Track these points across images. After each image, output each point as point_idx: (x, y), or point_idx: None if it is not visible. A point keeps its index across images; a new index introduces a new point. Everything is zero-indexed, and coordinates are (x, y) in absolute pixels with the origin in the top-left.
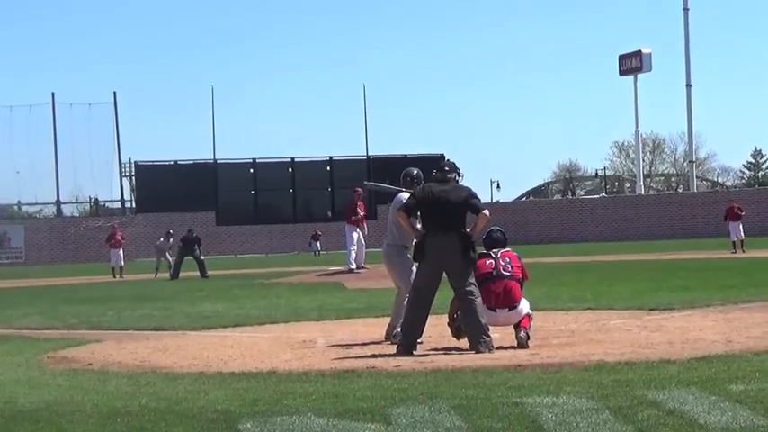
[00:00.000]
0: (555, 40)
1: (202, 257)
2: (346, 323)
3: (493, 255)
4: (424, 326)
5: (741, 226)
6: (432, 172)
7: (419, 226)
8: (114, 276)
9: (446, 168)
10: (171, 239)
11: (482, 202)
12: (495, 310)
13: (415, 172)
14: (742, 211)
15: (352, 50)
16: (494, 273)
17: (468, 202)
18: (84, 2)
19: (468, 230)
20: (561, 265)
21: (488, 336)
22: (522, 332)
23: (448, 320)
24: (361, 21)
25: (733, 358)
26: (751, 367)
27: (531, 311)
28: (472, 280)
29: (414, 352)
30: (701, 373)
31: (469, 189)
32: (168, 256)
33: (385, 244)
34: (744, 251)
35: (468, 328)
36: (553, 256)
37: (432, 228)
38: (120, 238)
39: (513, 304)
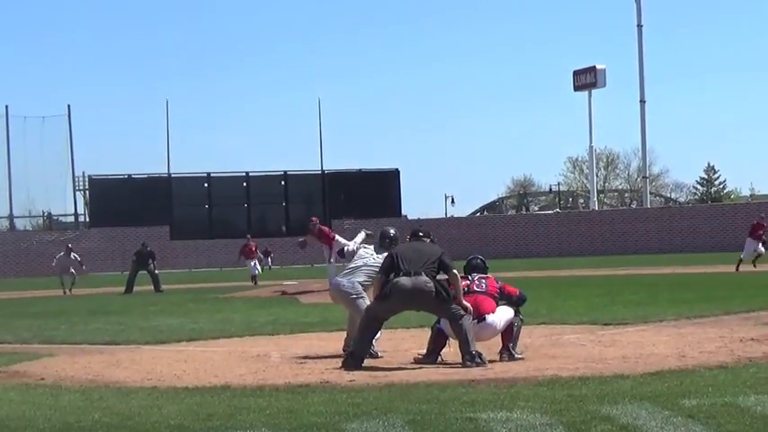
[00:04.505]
0: (510, 55)
1: (157, 272)
2: (301, 338)
3: (470, 278)
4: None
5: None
6: (406, 238)
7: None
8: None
9: (420, 233)
10: (72, 254)
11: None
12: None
13: (392, 232)
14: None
15: (308, 65)
16: (466, 290)
17: (441, 257)
18: (38, 15)
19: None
20: (515, 281)
21: (477, 352)
22: (505, 355)
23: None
24: (317, 36)
25: (686, 373)
26: (704, 382)
27: (515, 321)
28: (454, 306)
29: (361, 366)
30: (655, 388)
31: (443, 250)
32: (73, 272)
33: (347, 279)
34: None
35: (459, 347)
36: (507, 271)
37: (404, 270)
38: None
39: (481, 316)
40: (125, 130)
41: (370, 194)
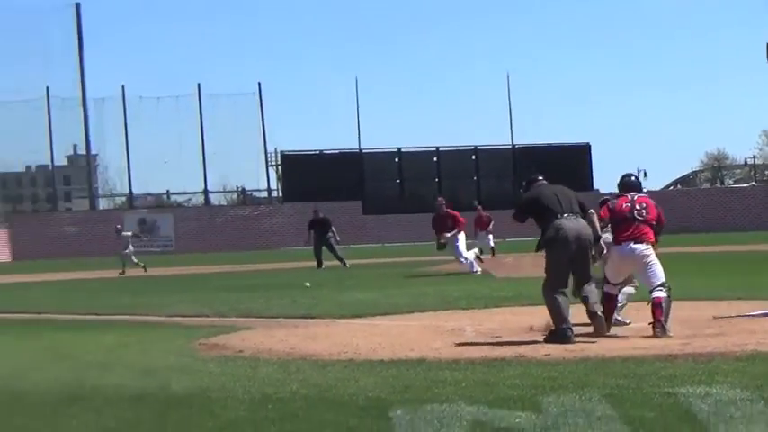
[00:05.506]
0: (702, 27)
1: (336, 246)
2: (495, 312)
3: (629, 198)
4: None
5: None
6: (522, 185)
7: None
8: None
9: (540, 177)
10: (123, 233)
11: None
12: (621, 244)
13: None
14: None
15: (497, 39)
16: (628, 215)
17: (578, 198)
18: None
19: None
20: (711, 255)
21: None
22: (658, 328)
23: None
24: (506, 10)
25: None
26: None
27: (664, 294)
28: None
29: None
30: None
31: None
32: (130, 248)
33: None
34: None
35: (592, 313)
36: (702, 245)
37: (562, 214)
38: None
39: (641, 241)
40: (316, 106)
41: (561, 169)
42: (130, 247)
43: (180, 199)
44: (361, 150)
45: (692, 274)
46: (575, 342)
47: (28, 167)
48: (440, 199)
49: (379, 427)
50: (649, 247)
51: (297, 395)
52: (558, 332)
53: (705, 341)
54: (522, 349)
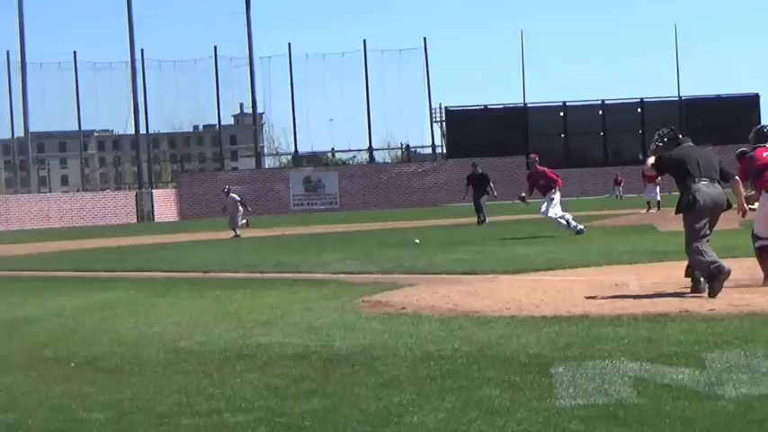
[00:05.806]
0: None
1: (486, 202)
2: (659, 266)
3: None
4: None
5: None
6: (655, 138)
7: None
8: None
9: (680, 135)
10: (231, 194)
11: None
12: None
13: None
14: None
15: None
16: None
17: (721, 164)
18: None
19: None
20: None
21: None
22: None
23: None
24: None
25: None
26: None
27: None
28: None
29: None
30: None
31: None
32: (242, 208)
33: None
34: None
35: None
36: None
37: (700, 178)
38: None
39: None
40: (480, 61)
41: (729, 121)
42: (241, 210)
43: (345, 156)
44: (525, 105)
45: None
46: (730, 270)
47: (195, 127)
48: (533, 155)
49: (540, 383)
50: None
51: (459, 352)
52: (712, 273)
53: None
54: (686, 304)
